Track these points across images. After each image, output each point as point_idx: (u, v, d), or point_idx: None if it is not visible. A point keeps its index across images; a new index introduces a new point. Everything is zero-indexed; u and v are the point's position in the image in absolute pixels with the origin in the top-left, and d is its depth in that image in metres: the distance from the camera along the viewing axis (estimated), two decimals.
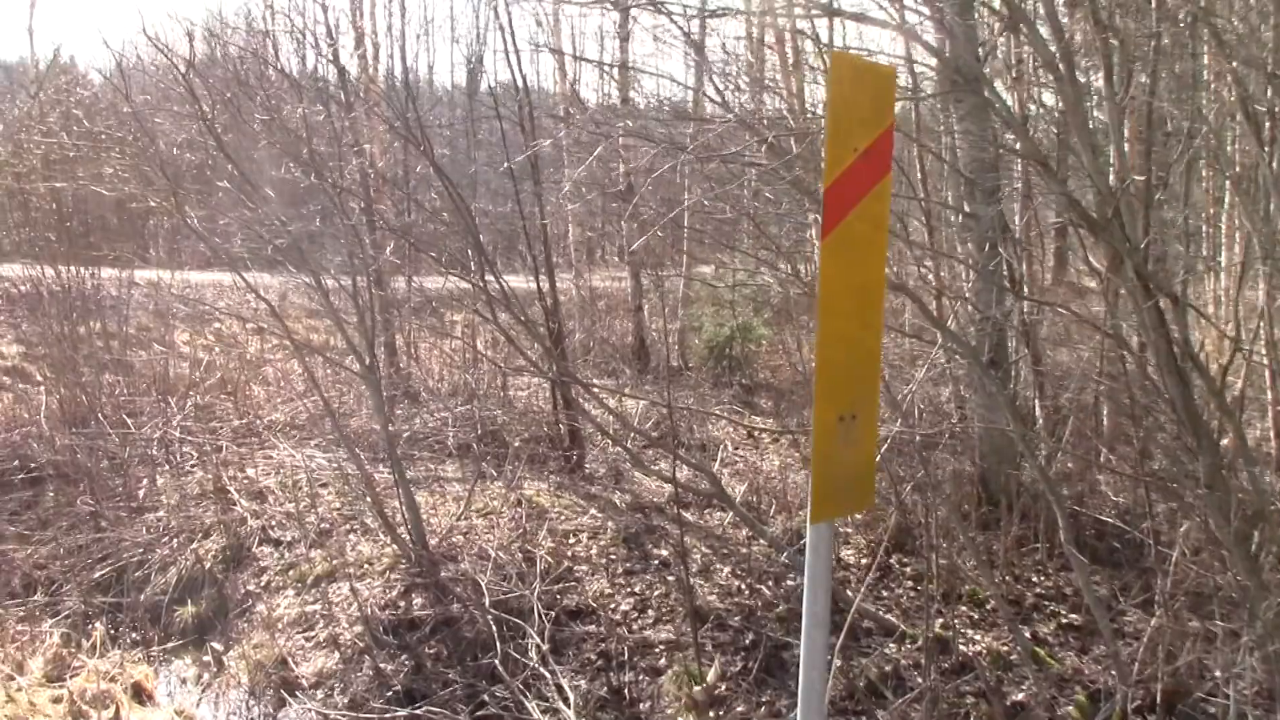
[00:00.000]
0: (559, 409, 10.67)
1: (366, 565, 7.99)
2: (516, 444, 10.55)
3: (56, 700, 6.16)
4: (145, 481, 9.61)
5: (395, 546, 8.00)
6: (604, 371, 14.57)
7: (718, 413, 11.32)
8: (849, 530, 8.62)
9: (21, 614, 7.54)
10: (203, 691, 7.14)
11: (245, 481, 9.41)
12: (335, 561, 8.04)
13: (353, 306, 8.29)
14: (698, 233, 11.38)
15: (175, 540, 8.64)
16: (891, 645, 6.86)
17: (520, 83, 10.27)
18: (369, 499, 8.34)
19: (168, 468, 9.88)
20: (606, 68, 16.30)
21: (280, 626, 7.48)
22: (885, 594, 7.66)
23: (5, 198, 13.30)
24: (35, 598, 7.83)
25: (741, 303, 14.70)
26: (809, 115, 7.17)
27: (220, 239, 8.49)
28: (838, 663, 6.46)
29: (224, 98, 8.21)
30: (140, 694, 6.70)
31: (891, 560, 8.03)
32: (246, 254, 8.86)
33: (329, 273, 8.24)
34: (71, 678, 6.59)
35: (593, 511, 9.01)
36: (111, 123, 12.76)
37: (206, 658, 7.51)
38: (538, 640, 6.71)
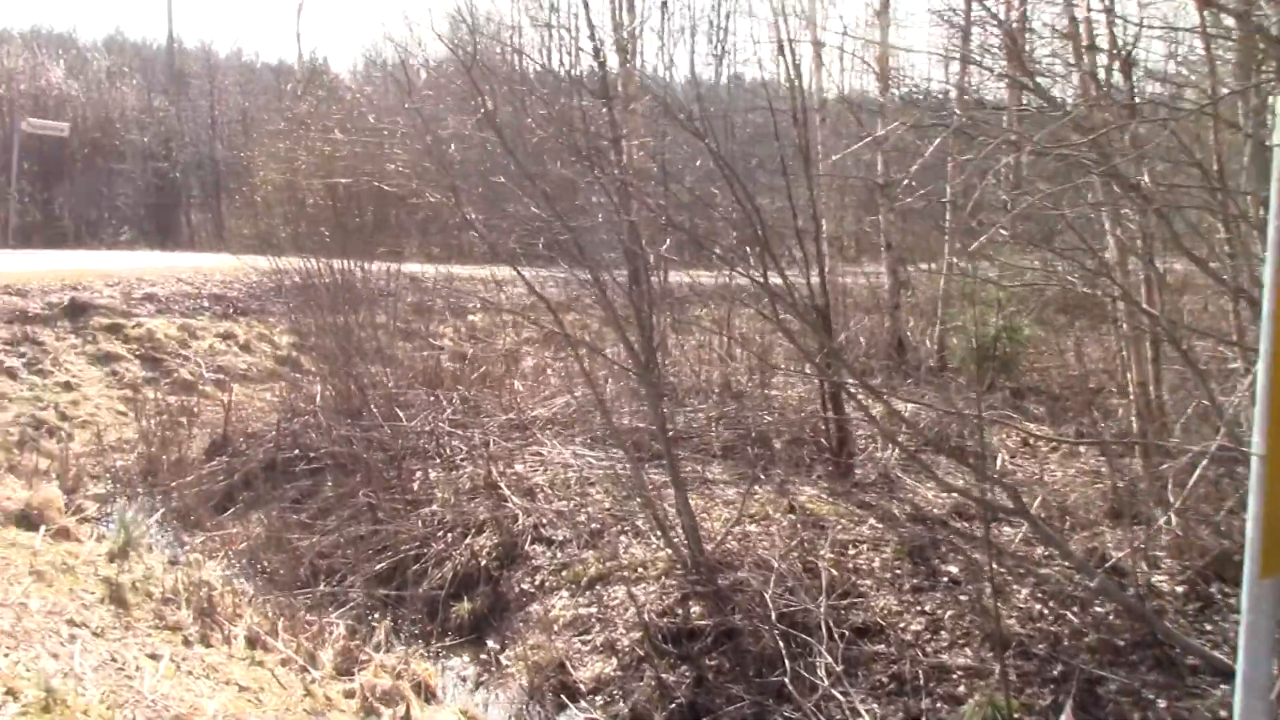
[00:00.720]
0: (828, 410, 10.33)
1: (640, 569, 7.87)
2: (778, 445, 10.29)
3: (349, 695, 6.27)
4: (418, 475, 9.83)
5: (669, 550, 7.85)
6: (858, 371, 14.10)
7: (1011, 420, 10.69)
8: (1158, 553, 7.93)
9: (309, 603, 7.77)
10: (482, 691, 7.18)
11: (515, 477, 9.48)
12: (609, 564, 7.96)
13: (627, 302, 8.21)
14: (975, 227, 10.77)
15: (449, 535, 8.78)
16: (1224, 687, 6.21)
17: (793, 73, 10.01)
18: (641, 500, 8.23)
19: (438, 461, 10.08)
20: (859, 56, 15.74)
21: (556, 628, 7.45)
22: (1208, 627, 6.99)
23: (283, 194, 13.96)
24: (320, 587, 8.08)
25: (1007, 301, 13.97)
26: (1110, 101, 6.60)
27: (495, 234, 8.59)
28: (1161, 703, 5.92)
29: (502, 92, 8.25)
30: (424, 691, 6.76)
31: (1213, 590, 7.32)
32: (520, 248, 8.93)
33: (605, 268, 8.19)
34: (359, 671, 6.70)
35: (871, 521, 8.62)
36: (384, 121, 13.27)
37: (484, 656, 7.57)
38: (829, 659, 6.40)
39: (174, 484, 10.71)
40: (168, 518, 10.08)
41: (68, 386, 13.67)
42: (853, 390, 9.03)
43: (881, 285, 15.29)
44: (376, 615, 8.01)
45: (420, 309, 16.46)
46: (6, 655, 4.21)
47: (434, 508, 9.20)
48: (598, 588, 7.82)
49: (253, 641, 6.77)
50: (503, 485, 9.25)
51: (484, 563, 8.40)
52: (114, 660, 5.08)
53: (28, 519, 8.57)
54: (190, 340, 15.71)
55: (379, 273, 14.67)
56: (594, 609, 7.58)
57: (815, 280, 9.75)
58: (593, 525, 8.56)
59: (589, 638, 7.36)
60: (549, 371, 13.75)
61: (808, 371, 9.58)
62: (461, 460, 10.10)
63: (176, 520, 10.15)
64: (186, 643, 6.29)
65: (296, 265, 14.13)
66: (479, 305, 16.86)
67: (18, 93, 27.61)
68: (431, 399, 11.24)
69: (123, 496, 11.19)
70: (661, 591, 7.54)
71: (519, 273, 8.61)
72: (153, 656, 5.57)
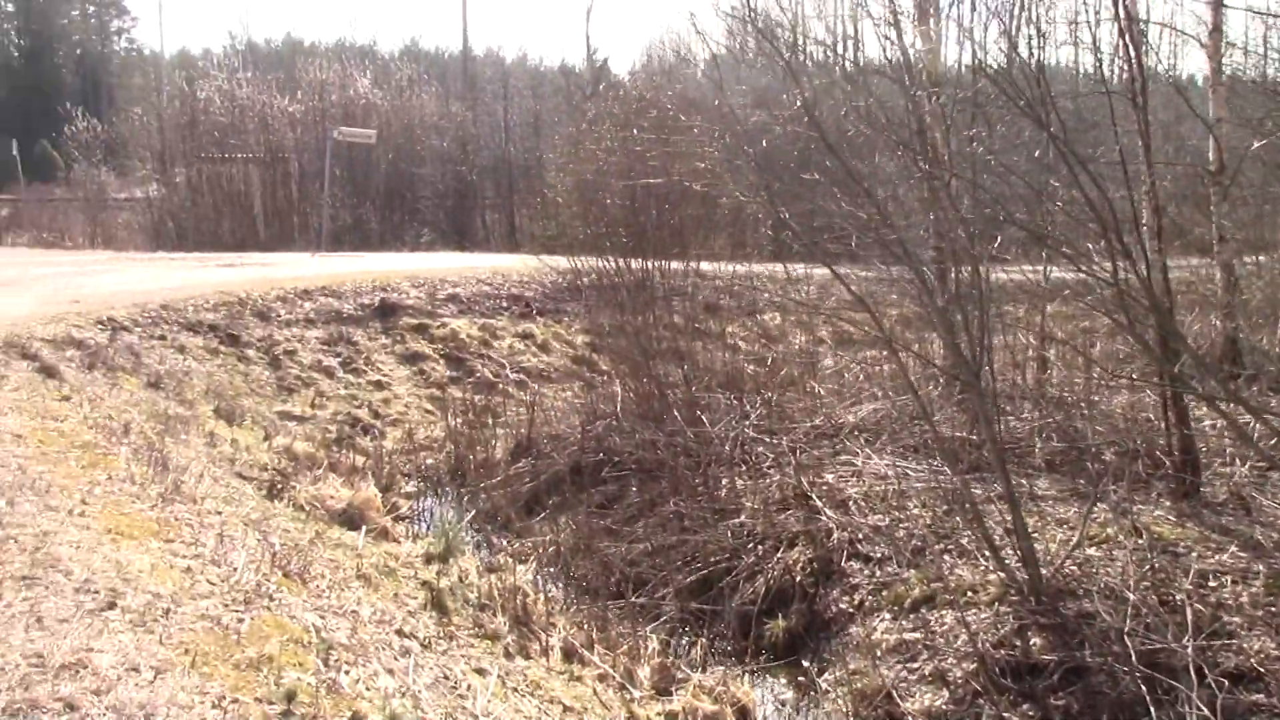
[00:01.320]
0: (1170, 422, 9.41)
1: (969, 593, 7.34)
2: (1110, 458, 9.45)
3: (669, 717, 6.09)
4: (725, 483, 9.62)
5: (1001, 574, 7.28)
6: (1223, 378, 12.89)
7: None
8: None
9: (621, 614, 7.67)
10: (802, 718, 6.87)
11: (826, 488, 9.11)
12: (933, 585, 7.48)
13: (951, 302, 7.69)
14: None
15: (760, 548, 8.52)
16: None
17: (1131, 52, 9.15)
18: (965, 517, 7.70)
19: (744, 469, 9.84)
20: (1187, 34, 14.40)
21: (879, 653, 7.04)
22: None
23: (579, 194, 14.11)
24: (632, 598, 7.97)
25: None
26: None
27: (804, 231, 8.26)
28: None
29: (819, 84, 7.90)
30: (744, 715, 6.50)
31: None
32: (833, 246, 8.56)
33: (927, 264, 7.70)
34: (676, 691, 6.52)
35: (1233, 549, 7.73)
36: (672, 118, 13.20)
37: (801, 679, 7.26)
38: (1202, 709, 5.71)
39: (482, 485, 10.96)
40: (477, 519, 10.29)
41: (379, 385, 14.32)
42: (1212, 399, 8.17)
43: (1202, 280, 13.98)
44: (688, 629, 7.84)
45: (710, 307, 16.35)
46: (347, 672, 4.22)
47: (742, 518, 8.96)
48: (922, 611, 7.36)
49: (569, 654, 6.72)
50: (814, 496, 8.90)
51: (798, 578, 8.09)
52: (445, 677, 5.08)
53: (350, 518, 8.90)
54: (491, 340, 16.18)
55: (675, 271, 14.65)
56: (920, 634, 7.12)
57: (1158, 277, 8.92)
58: (913, 542, 8.09)
59: (916, 666, 6.91)
60: (847, 374, 13.30)
61: (1138, 380, 8.72)
62: (768, 468, 9.82)
63: (485, 521, 10.36)
64: (507, 654, 6.28)
65: (593, 265, 14.28)
66: (768, 303, 16.62)
67: (329, 103, 29.63)
68: (734, 402, 11.02)
69: (432, 495, 11.56)
70: (995, 620, 6.99)
71: (834, 271, 8.23)
72: (479, 671, 5.55)
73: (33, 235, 31.03)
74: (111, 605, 4.18)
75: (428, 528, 10.22)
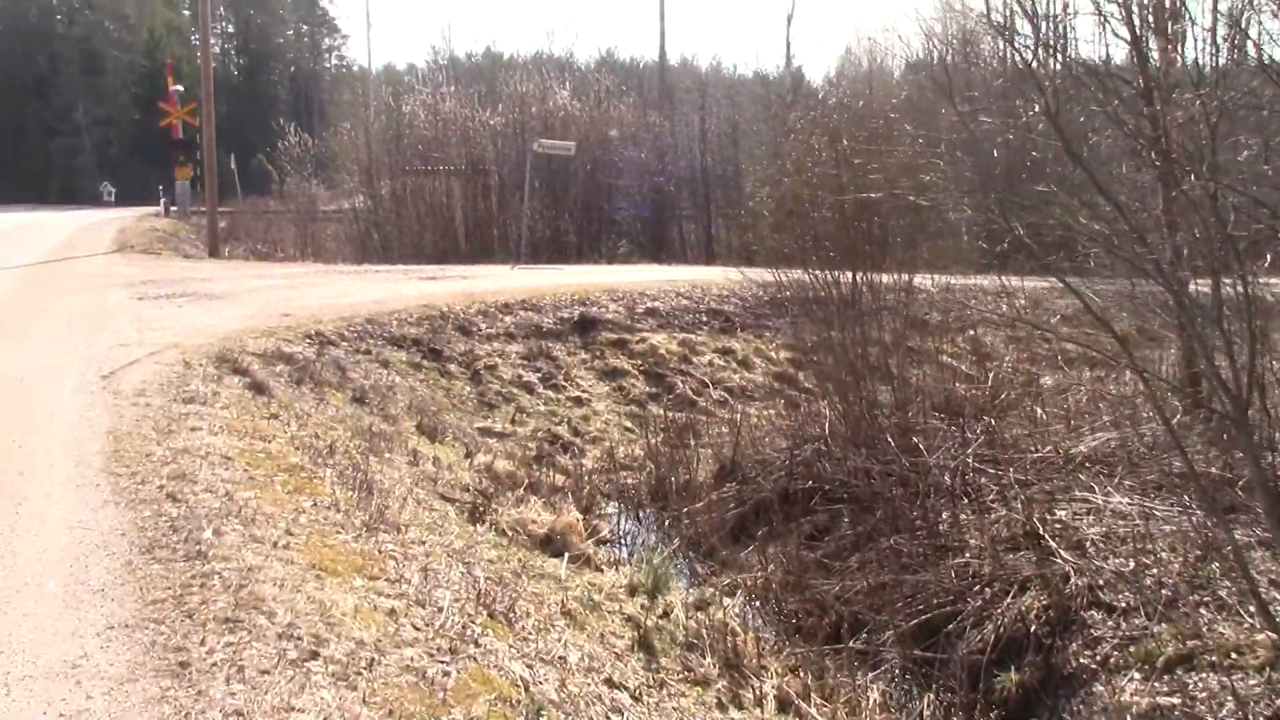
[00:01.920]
0: None
1: (1234, 654, 6.58)
2: None
3: None
4: (945, 517, 9.03)
5: (1271, 633, 6.50)
6: None
7: None
8: None
9: (838, 660, 7.21)
10: None
11: (1059, 526, 8.42)
12: (1190, 643, 6.74)
13: (1211, 323, 6.94)
14: None
15: (988, 590, 7.90)
16: None
17: None
18: (1227, 565, 6.94)
19: (966, 502, 9.22)
20: None
21: (1129, 718, 6.37)
22: None
23: (785, 204, 13.66)
24: (849, 643, 7.50)
25: None
26: None
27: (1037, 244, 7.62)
28: None
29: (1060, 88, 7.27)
30: None
31: None
32: (1066, 258, 7.90)
33: (1185, 280, 6.98)
34: None
35: None
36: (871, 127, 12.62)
37: None
38: None
39: (685, 509, 10.64)
40: (679, 545, 9.97)
41: (579, 401, 14.21)
42: None
43: None
44: (910, 679, 7.32)
45: (917, 323, 15.65)
46: None
47: (966, 557, 8.35)
48: (1179, 672, 6.63)
49: (783, 704, 6.33)
50: (1046, 536, 8.21)
51: (1031, 627, 7.45)
52: None
53: (552, 544, 8.72)
54: (691, 356, 15.91)
55: (883, 285, 14.03)
56: (1178, 699, 6.41)
57: None
58: (1163, 592, 7.34)
59: None
60: (1071, 398, 12.43)
61: None
62: (992, 502, 9.16)
63: (687, 547, 10.04)
64: (720, 705, 5.93)
65: (797, 278, 13.79)
66: (982, 319, 15.79)
67: (529, 115, 30.02)
68: (951, 428, 10.38)
69: (632, 517, 11.32)
70: (1268, 687, 6.23)
71: (1071, 287, 7.55)
72: None
73: (248, 246, 32.49)
74: (314, 655, 4.01)
75: (629, 553, 9.98)
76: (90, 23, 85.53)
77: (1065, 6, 10.90)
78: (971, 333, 16.85)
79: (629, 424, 14.04)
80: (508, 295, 16.54)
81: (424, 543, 6.61)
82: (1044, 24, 8.04)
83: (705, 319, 17.35)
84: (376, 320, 14.13)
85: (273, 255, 31.44)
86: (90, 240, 26.59)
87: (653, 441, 12.87)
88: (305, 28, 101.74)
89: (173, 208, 39.06)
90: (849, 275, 12.62)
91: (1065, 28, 12.14)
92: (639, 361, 15.51)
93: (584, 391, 14.49)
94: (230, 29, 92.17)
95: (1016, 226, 7.58)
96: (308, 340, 12.64)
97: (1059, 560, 7.89)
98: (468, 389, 13.54)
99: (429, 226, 28.93)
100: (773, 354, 16.82)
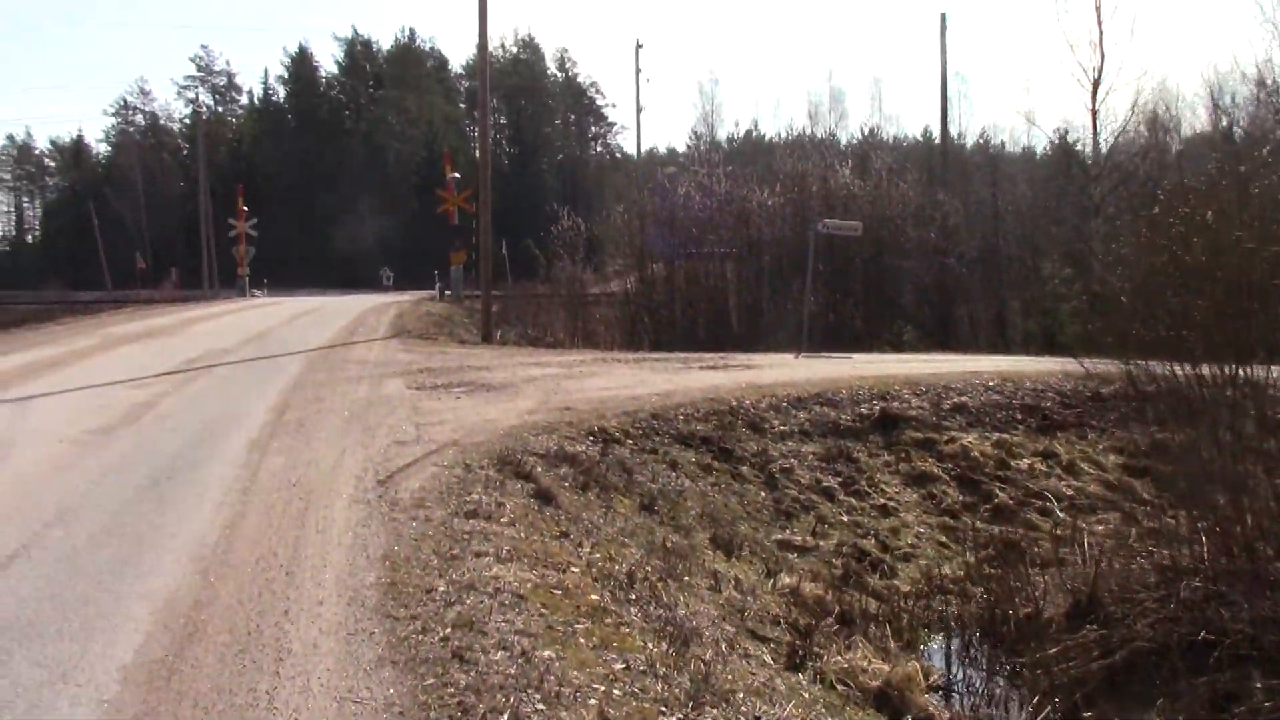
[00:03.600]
0: None
1: None
2: None
3: None
4: None
5: None
6: None
7: None
8: None
9: None
10: None
11: None
12: None
13: None
14: None
15: None
16: None
17: None
18: None
19: None
20: None
21: None
22: None
23: (1140, 286, 11.81)
24: None
25: None
26: None
27: None
28: None
29: None
30: None
31: None
32: None
33: None
34: None
35: None
36: None
37: None
38: None
39: (1033, 654, 8.96)
40: (1037, 704, 8.29)
41: (884, 510, 12.73)
42: None
43: None
44: None
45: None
46: None
47: None
48: None
49: None
50: None
51: None
52: None
53: (888, 701, 7.30)
54: (1007, 459, 14.18)
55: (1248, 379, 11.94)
56: None
57: None
58: None
59: None
60: None
61: None
62: None
63: (1046, 705, 8.34)
64: None
65: (1152, 369, 11.87)
66: None
67: (809, 194, 28.87)
68: None
69: (962, 656, 9.74)
70: None
71: None
72: None
73: (519, 331, 32.54)
74: None
75: (970, 706, 8.43)
76: (375, 118, 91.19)
77: None
78: None
79: (943, 538, 12.44)
80: (798, 387, 15.28)
81: (759, 718, 5.33)
82: None
83: (1019, 416, 15.57)
84: (662, 415, 13.11)
85: (542, 339, 31.35)
86: (370, 324, 27.07)
87: (972, 560, 11.27)
88: (573, 117, 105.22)
89: (446, 292, 39.98)
90: (1223, 367, 10.68)
91: None
92: (949, 465, 13.89)
93: (890, 499, 12.98)
94: (502, 120, 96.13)
95: None
96: (591, 438, 11.73)
97: None
98: (762, 494, 12.28)
99: (702, 311, 28.09)
100: (1099, 458, 14.86)
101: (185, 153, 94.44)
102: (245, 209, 51.99)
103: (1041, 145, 38.78)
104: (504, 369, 16.96)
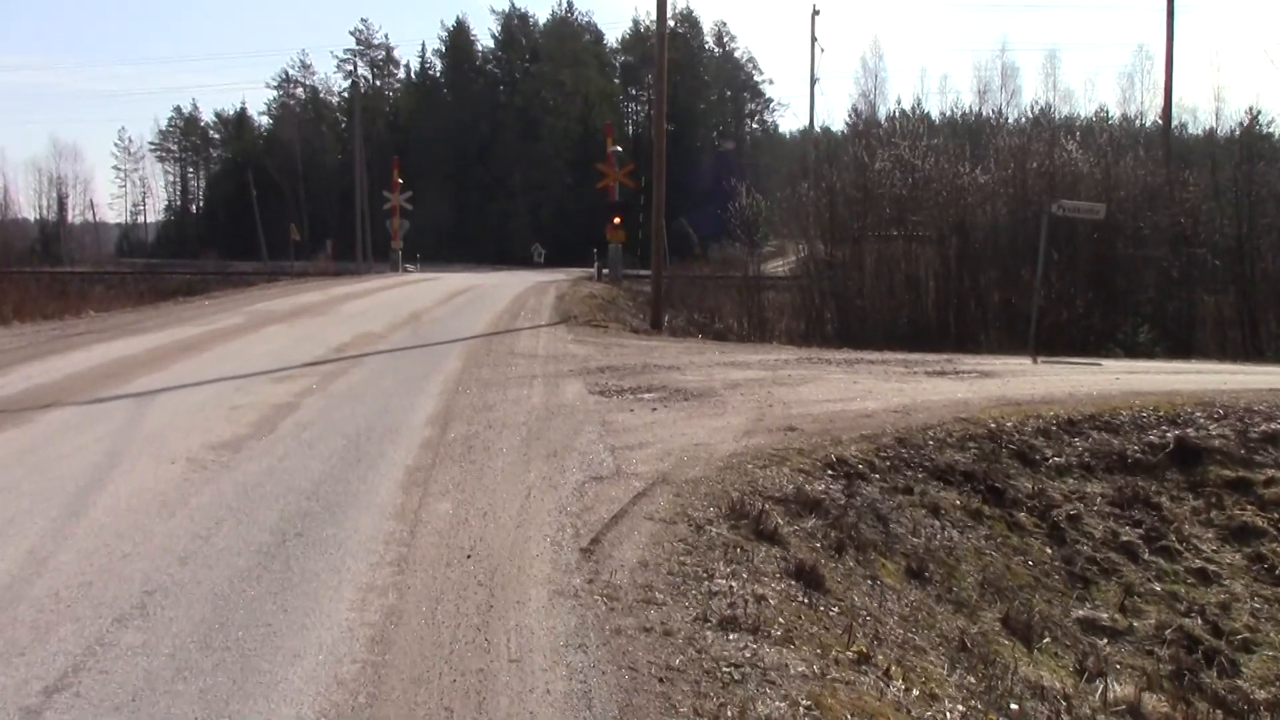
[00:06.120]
0: None
1: None
2: None
3: None
4: None
5: None
6: None
7: None
8: None
9: None
10: None
11: None
12: None
13: None
14: None
15: None
16: None
17: None
18: None
19: None
20: None
21: None
22: None
23: None
24: None
25: None
26: None
27: None
28: None
29: None
30: None
31: None
32: None
33: None
34: None
35: None
36: None
37: None
38: None
39: None
40: None
41: (1203, 577, 9.90)
42: None
43: None
44: None
45: None
46: None
47: None
48: None
49: None
50: None
51: None
52: None
53: None
54: None
55: None
56: None
57: None
58: None
59: None
60: None
61: None
62: None
63: None
64: None
65: None
66: None
67: (1028, 172, 25.46)
68: None
69: None
70: None
71: None
72: None
73: (685, 316, 30.09)
74: None
75: None
76: (529, 92, 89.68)
77: None
78: None
79: None
80: (1063, 405, 12.39)
81: None
82: None
83: None
84: (907, 440, 10.42)
85: (710, 325, 28.94)
86: (531, 306, 24.91)
87: None
88: (729, 93, 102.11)
89: (604, 271, 37.91)
90: None
91: None
92: (1274, 514, 10.89)
93: (1207, 560, 10.09)
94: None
95: None
96: (830, 472, 9.14)
97: None
98: (1048, 551, 9.54)
99: (905, 301, 24.99)
100: None
101: (343, 125, 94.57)
102: (400, 181, 50.72)
103: (1225, 127, 33.94)
104: (696, 369, 14.45)
